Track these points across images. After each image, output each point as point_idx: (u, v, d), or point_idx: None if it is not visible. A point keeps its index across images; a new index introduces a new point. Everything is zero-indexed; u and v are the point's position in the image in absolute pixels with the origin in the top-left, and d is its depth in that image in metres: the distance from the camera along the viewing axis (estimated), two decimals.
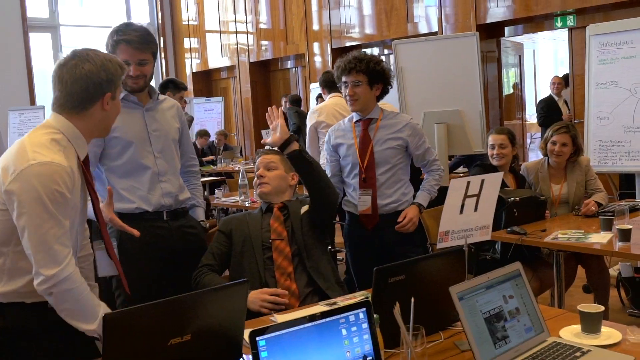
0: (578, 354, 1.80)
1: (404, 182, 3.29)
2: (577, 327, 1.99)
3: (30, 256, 1.88)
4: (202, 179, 7.42)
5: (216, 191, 5.93)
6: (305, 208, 2.84)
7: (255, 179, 2.89)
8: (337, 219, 5.03)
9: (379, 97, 3.29)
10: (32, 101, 10.39)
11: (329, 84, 5.43)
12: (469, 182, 2.10)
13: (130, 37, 2.62)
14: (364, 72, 3.15)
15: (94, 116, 2.02)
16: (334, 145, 3.39)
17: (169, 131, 2.85)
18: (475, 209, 2.14)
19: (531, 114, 11.75)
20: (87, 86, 1.96)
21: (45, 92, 10.65)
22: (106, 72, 1.99)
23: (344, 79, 3.20)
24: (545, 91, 13.91)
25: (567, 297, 4.14)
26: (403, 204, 3.25)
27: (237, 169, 7.99)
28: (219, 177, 8.24)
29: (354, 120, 3.32)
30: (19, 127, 9.32)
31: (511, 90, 9.46)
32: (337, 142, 3.36)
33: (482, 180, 2.11)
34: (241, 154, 10.39)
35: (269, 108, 2.90)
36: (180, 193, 2.87)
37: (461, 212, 2.11)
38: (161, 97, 2.87)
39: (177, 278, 2.82)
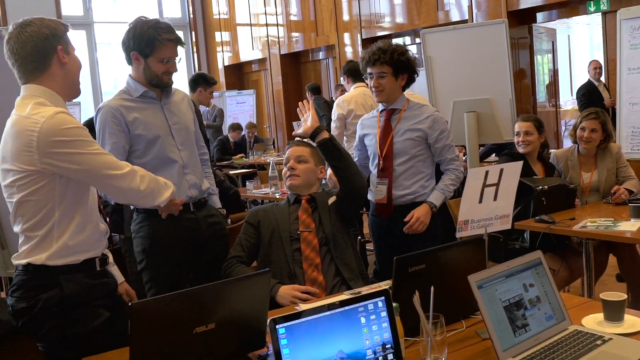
0: (599, 342, 1.80)
1: (424, 174, 3.23)
2: (600, 316, 1.98)
3: (108, 189, 2.17)
4: (234, 172, 7.55)
5: (247, 183, 6.00)
6: (333, 199, 2.87)
7: (285, 170, 2.93)
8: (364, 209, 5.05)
9: (405, 87, 3.29)
10: None
11: (354, 73, 5.41)
12: (487, 172, 2.10)
13: (176, 37, 2.74)
14: (388, 64, 3.15)
15: (57, 74, 2.11)
16: (360, 136, 3.42)
17: (187, 123, 2.91)
18: (495, 198, 2.14)
19: (566, 100, 11.58)
20: (36, 44, 2.06)
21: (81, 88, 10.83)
22: (48, 27, 2.09)
23: (369, 70, 3.21)
24: (581, 77, 13.70)
25: (600, 285, 4.11)
26: (421, 196, 3.20)
27: (268, 161, 8.06)
28: (250, 170, 8.32)
29: (380, 110, 3.34)
30: None
31: (546, 78, 9.33)
32: (364, 133, 3.40)
33: (501, 170, 2.11)
34: (273, 146, 10.47)
35: (299, 103, 2.95)
36: (202, 183, 2.94)
37: (480, 201, 2.12)
38: (174, 90, 2.93)
39: (204, 267, 2.89)
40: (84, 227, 2.13)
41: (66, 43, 2.13)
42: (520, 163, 2.23)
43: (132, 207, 2.97)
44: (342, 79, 5.72)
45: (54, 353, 2.11)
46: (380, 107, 3.34)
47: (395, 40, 3.19)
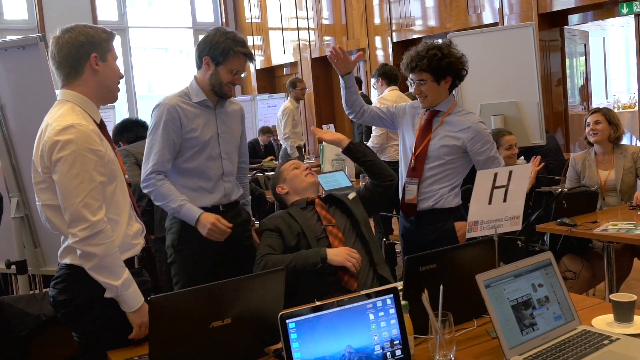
0: (606, 341, 1.82)
1: (450, 183, 3.12)
2: (611, 317, 2.00)
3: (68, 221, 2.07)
4: (264, 174, 7.64)
5: None
6: (353, 195, 3.01)
7: (302, 170, 3.06)
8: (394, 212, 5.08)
9: (452, 87, 3.14)
10: None
11: (390, 77, 5.58)
12: (496, 174, 2.13)
13: (249, 52, 2.84)
14: (426, 71, 3.02)
15: (89, 80, 2.18)
16: (399, 112, 3.29)
17: (234, 133, 3.01)
18: (504, 200, 2.17)
19: (599, 103, 11.43)
20: (70, 51, 2.14)
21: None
22: (85, 35, 2.16)
23: (410, 76, 3.11)
24: (617, 79, 13.49)
25: (627, 289, 4.10)
26: (440, 203, 3.11)
27: None
28: None
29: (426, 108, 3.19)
30: None
31: (580, 81, 9.23)
32: (407, 120, 3.25)
33: (510, 172, 2.15)
34: (304, 149, 10.55)
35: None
36: (234, 192, 3.02)
37: (490, 202, 2.15)
38: (230, 100, 2.99)
39: (228, 269, 2.95)
40: (117, 228, 2.17)
41: (103, 51, 2.19)
42: (529, 165, 2.27)
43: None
44: (374, 80, 5.78)
45: (89, 344, 2.19)
46: None
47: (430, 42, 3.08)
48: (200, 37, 2.91)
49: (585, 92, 9.33)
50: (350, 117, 3.29)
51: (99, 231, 2.05)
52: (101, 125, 2.22)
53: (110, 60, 2.23)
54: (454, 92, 3.18)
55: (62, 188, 2.05)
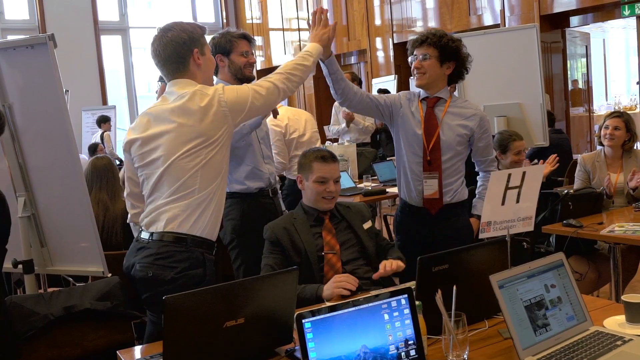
0: (619, 342, 1.83)
1: (461, 174, 3.08)
2: (622, 318, 2.01)
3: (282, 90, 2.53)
4: None
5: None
6: (368, 224, 2.82)
7: (322, 189, 2.75)
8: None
9: (451, 80, 3.09)
10: (104, 101, 10.85)
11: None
12: (510, 175, 2.14)
13: (246, 33, 3.16)
14: (434, 46, 2.97)
15: (195, 72, 2.40)
16: (395, 103, 3.13)
17: (264, 123, 3.23)
18: (517, 201, 2.18)
19: (600, 105, 11.48)
20: (175, 48, 2.35)
21: (116, 92, 11.11)
22: (186, 32, 2.37)
23: (415, 52, 3.03)
24: (617, 81, 13.54)
25: (630, 290, 4.09)
26: (456, 196, 3.05)
27: None
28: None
29: (421, 97, 3.09)
30: (92, 125, 9.77)
31: (580, 82, 9.25)
32: (404, 112, 3.10)
33: (524, 173, 2.16)
34: None
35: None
36: (273, 178, 3.26)
37: (503, 203, 2.16)
38: None
39: None
40: (223, 202, 2.42)
41: (202, 45, 2.43)
42: (542, 167, 2.28)
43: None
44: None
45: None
46: (422, 94, 3.09)
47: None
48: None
49: (586, 94, 9.35)
50: (344, 105, 3.13)
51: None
52: None
53: (207, 53, 2.45)
54: (455, 92, 3.18)
55: (244, 101, 2.36)
